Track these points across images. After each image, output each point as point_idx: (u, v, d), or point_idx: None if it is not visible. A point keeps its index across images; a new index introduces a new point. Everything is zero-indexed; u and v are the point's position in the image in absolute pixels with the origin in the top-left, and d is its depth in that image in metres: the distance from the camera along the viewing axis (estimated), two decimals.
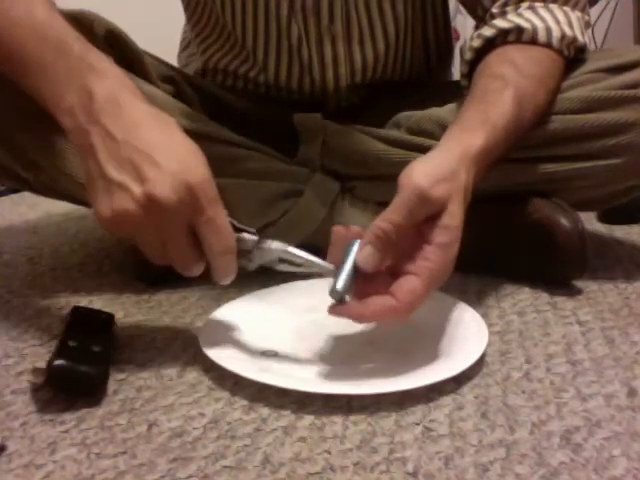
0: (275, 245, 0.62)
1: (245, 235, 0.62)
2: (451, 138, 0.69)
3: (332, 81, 0.95)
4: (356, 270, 0.60)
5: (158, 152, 0.58)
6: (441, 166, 0.63)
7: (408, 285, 0.58)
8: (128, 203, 0.57)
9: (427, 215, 0.61)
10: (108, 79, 0.61)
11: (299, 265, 0.63)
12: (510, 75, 0.76)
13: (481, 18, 0.88)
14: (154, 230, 0.58)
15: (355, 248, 0.60)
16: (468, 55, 0.85)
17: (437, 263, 0.59)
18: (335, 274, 0.60)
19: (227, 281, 0.62)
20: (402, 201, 0.60)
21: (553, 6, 0.83)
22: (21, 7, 0.64)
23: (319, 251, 0.64)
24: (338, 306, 0.60)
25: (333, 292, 0.59)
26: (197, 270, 0.61)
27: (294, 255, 0.62)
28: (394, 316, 0.59)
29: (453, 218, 0.60)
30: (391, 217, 0.60)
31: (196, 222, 0.58)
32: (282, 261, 0.63)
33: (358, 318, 0.60)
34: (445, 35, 1.03)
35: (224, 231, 0.59)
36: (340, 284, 0.59)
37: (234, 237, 0.60)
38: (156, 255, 0.60)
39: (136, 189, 0.57)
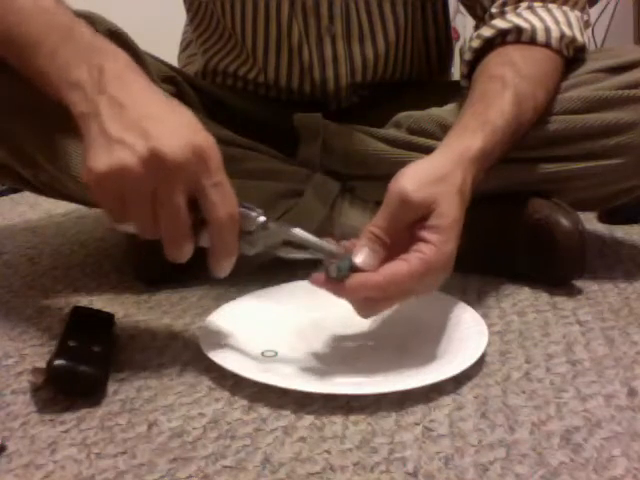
0: (280, 226, 0.61)
1: (251, 213, 0.60)
2: (450, 140, 0.70)
3: (332, 81, 0.95)
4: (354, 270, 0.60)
5: (166, 117, 0.57)
6: (431, 169, 0.64)
7: (394, 266, 0.59)
8: (129, 157, 0.55)
9: (415, 218, 0.61)
10: (118, 61, 0.61)
11: (303, 249, 0.61)
12: (509, 76, 0.76)
13: (480, 18, 0.88)
14: (150, 192, 0.56)
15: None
16: (468, 56, 0.85)
17: (428, 256, 0.59)
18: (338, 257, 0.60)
19: (226, 268, 0.59)
20: (387, 206, 0.62)
21: (552, 6, 0.83)
22: None
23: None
24: (320, 278, 0.60)
25: (330, 269, 0.59)
26: (187, 251, 0.58)
27: (300, 237, 0.61)
28: (372, 293, 0.59)
29: (442, 218, 0.61)
30: (379, 222, 0.61)
31: (202, 185, 0.56)
32: (285, 245, 0.61)
33: (336, 291, 0.60)
34: (445, 35, 1.04)
35: (231, 197, 0.57)
36: (340, 263, 0.59)
37: (239, 210, 0.58)
38: (145, 224, 0.57)
39: (140, 144, 0.55)
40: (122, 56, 0.62)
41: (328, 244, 0.61)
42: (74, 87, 0.60)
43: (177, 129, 0.57)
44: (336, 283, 0.59)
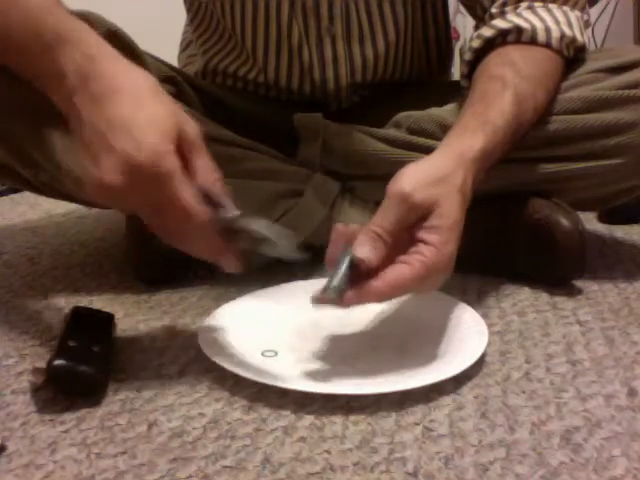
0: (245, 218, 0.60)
1: (224, 211, 0.59)
2: (450, 140, 0.70)
3: (332, 81, 0.95)
4: (352, 268, 0.59)
5: (118, 129, 0.57)
6: (431, 170, 0.64)
7: (396, 271, 0.59)
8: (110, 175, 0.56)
9: (415, 219, 0.61)
10: (80, 48, 0.60)
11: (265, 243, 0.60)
12: (509, 76, 0.76)
13: (481, 18, 0.88)
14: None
15: (350, 253, 0.60)
16: (468, 56, 0.85)
17: (429, 258, 0.59)
18: (328, 273, 0.60)
19: (230, 264, 0.60)
20: (387, 207, 0.61)
21: (552, 6, 0.83)
22: None
23: (319, 251, 0.63)
24: (322, 299, 0.60)
25: (328, 289, 0.58)
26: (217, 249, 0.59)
27: (257, 229, 0.60)
28: (375, 299, 0.59)
29: (442, 219, 0.61)
30: (379, 222, 0.61)
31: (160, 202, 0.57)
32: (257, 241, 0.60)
33: (339, 305, 0.59)
34: (445, 35, 1.04)
35: (190, 212, 0.57)
36: (336, 281, 0.58)
37: (205, 216, 0.57)
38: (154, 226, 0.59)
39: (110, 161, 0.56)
40: (87, 39, 0.62)
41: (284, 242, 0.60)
42: (58, 80, 0.60)
43: (120, 145, 0.57)
44: (338, 300, 0.59)
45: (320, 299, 0.59)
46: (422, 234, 0.60)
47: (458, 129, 0.71)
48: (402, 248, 0.61)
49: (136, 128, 0.57)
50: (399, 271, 0.59)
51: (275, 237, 0.60)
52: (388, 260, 0.60)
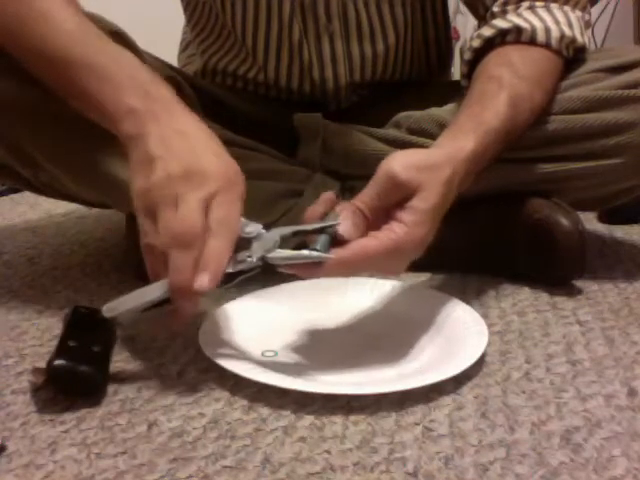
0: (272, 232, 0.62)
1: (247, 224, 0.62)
2: (443, 141, 0.71)
3: (331, 80, 0.95)
4: (334, 240, 0.60)
5: (203, 151, 0.62)
6: (421, 157, 0.65)
7: (362, 242, 0.60)
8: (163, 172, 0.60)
9: (398, 198, 0.62)
10: (166, 92, 0.65)
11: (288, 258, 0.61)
12: (506, 77, 0.76)
13: (482, 17, 0.88)
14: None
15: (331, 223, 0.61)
16: (468, 55, 0.85)
17: (398, 235, 0.60)
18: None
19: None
20: (372, 184, 0.63)
21: (553, 6, 0.83)
22: (62, 14, 0.67)
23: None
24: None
25: (312, 253, 0.59)
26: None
27: (292, 228, 0.62)
28: (338, 267, 0.60)
29: (422, 201, 0.62)
30: (363, 197, 0.63)
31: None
32: (285, 242, 0.62)
33: (314, 274, 0.61)
34: (445, 35, 1.04)
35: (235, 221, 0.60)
36: (319, 246, 0.60)
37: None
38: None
39: (176, 162, 0.61)
40: (167, 88, 0.66)
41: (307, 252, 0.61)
42: (128, 113, 0.62)
43: (211, 157, 0.62)
44: (315, 267, 0.60)
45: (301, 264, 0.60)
46: (398, 213, 0.62)
47: (452, 130, 0.72)
48: (381, 224, 0.62)
49: (208, 154, 0.62)
50: (365, 242, 0.60)
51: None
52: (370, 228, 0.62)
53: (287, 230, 0.62)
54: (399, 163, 0.63)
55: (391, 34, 0.94)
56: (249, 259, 0.61)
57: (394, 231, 0.61)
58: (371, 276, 0.80)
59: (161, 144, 0.61)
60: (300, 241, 0.63)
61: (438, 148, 0.69)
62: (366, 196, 0.63)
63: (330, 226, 0.61)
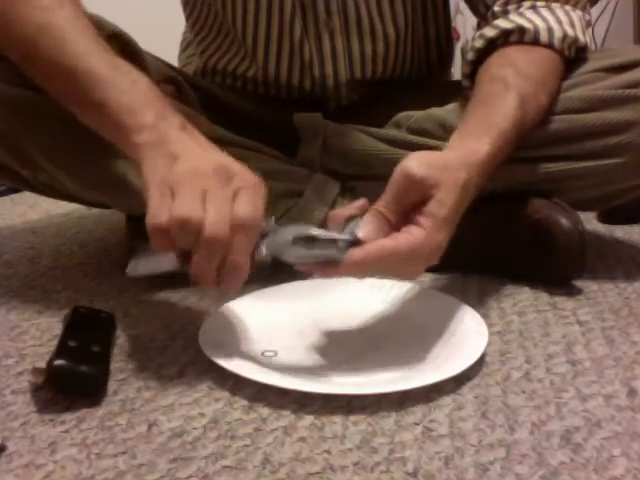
0: (287, 226, 0.62)
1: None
2: (455, 143, 0.71)
3: (332, 77, 0.95)
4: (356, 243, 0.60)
5: (212, 175, 0.60)
6: (438, 157, 0.65)
7: (380, 242, 0.60)
8: (188, 210, 0.57)
9: (417, 198, 0.62)
10: (177, 114, 0.65)
11: (313, 246, 0.61)
12: (512, 77, 0.76)
13: (483, 16, 0.88)
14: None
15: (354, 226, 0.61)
16: (470, 55, 0.85)
17: (416, 239, 0.60)
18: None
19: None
20: (390, 184, 0.63)
21: (555, 5, 0.83)
22: (77, 28, 0.68)
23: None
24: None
25: (335, 247, 0.59)
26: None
27: (308, 232, 0.61)
28: (354, 265, 0.60)
29: (439, 207, 0.61)
30: (383, 201, 0.63)
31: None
32: (295, 243, 0.61)
33: (331, 274, 0.61)
34: (445, 35, 1.04)
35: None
36: (341, 243, 0.60)
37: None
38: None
39: (196, 199, 0.58)
40: (177, 112, 0.66)
41: (335, 234, 0.61)
42: (146, 127, 0.62)
43: (233, 162, 0.61)
44: (332, 269, 0.60)
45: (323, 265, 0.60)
46: (417, 217, 0.61)
47: (462, 132, 0.72)
48: (400, 227, 0.62)
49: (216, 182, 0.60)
50: (382, 242, 0.60)
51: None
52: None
53: (301, 231, 0.61)
54: (414, 162, 0.63)
55: (391, 31, 0.94)
56: (264, 253, 0.60)
57: (412, 234, 0.60)
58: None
59: (184, 148, 0.61)
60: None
61: (451, 150, 0.69)
62: (385, 199, 0.63)
63: (347, 240, 0.60)
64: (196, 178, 0.58)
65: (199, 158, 0.61)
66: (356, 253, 0.59)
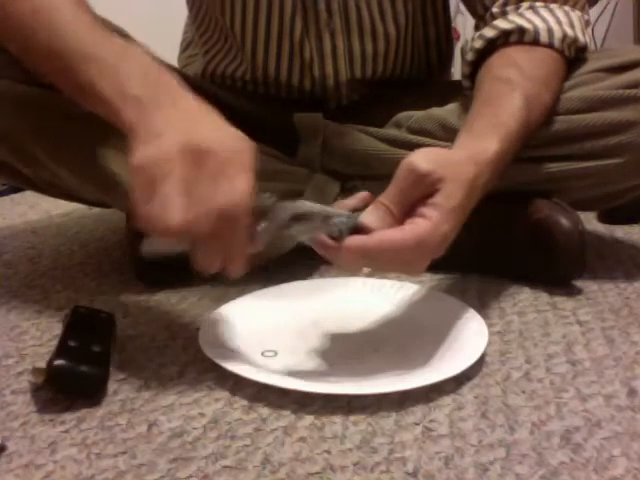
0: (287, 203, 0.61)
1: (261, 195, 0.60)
2: (464, 141, 0.70)
3: (332, 76, 0.95)
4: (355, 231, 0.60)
5: (211, 131, 0.60)
6: (444, 153, 0.65)
7: (387, 233, 0.59)
8: (167, 146, 0.56)
9: (421, 192, 0.61)
10: (172, 80, 0.65)
11: (313, 222, 0.60)
12: (516, 77, 0.76)
13: (481, 17, 0.88)
14: (183, 180, 0.55)
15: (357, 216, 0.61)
16: (470, 56, 0.85)
17: (423, 230, 0.59)
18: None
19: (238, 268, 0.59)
20: (395, 178, 0.62)
21: (554, 6, 0.83)
22: (70, 11, 0.66)
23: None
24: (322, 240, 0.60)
25: (334, 225, 0.59)
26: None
27: (307, 207, 0.60)
28: (359, 252, 0.59)
29: (445, 199, 0.61)
30: (387, 194, 0.62)
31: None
32: (295, 221, 0.60)
33: (332, 253, 0.60)
34: (446, 34, 1.03)
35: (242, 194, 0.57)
36: (341, 224, 0.59)
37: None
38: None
39: (181, 137, 0.58)
40: (169, 73, 0.65)
41: (334, 209, 0.61)
42: (129, 101, 0.61)
43: (220, 137, 0.60)
44: (335, 243, 0.59)
45: (321, 237, 0.59)
46: (423, 209, 0.60)
47: (469, 132, 0.71)
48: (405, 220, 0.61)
49: (217, 133, 0.60)
50: (389, 232, 0.59)
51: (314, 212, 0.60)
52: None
53: (297, 209, 0.60)
54: (420, 157, 0.62)
55: (391, 28, 0.94)
56: (262, 235, 0.59)
57: (418, 225, 0.59)
58: (385, 277, 0.80)
59: (164, 125, 0.59)
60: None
61: (460, 149, 0.68)
62: (389, 192, 0.62)
63: (347, 216, 0.60)
64: (168, 165, 0.56)
65: (178, 136, 0.58)
66: (362, 240, 0.58)
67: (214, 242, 0.56)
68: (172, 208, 0.54)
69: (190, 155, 0.56)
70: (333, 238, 0.59)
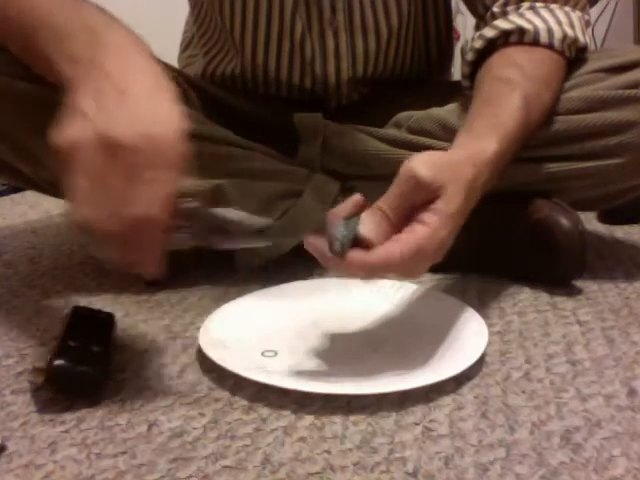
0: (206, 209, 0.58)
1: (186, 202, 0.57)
2: (463, 141, 0.70)
3: (333, 75, 0.95)
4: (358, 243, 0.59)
5: (142, 101, 0.55)
6: (443, 157, 0.64)
7: (386, 247, 0.58)
8: (81, 133, 0.53)
9: (421, 199, 0.61)
10: (122, 37, 0.61)
11: (232, 233, 0.58)
12: (516, 78, 0.76)
13: (482, 16, 0.88)
14: (97, 170, 0.52)
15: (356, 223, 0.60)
16: (470, 56, 0.85)
17: (422, 237, 0.59)
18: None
19: (146, 265, 0.56)
20: (395, 184, 0.61)
21: (554, 6, 0.83)
22: None
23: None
24: (317, 243, 0.59)
25: (336, 241, 0.58)
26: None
27: (229, 217, 0.58)
28: (363, 270, 0.58)
29: (444, 204, 0.60)
30: (385, 199, 0.61)
31: (139, 175, 0.52)
32: (213, 233, 0.58)
33: (333, 265, 0.59)
34: (446, 34, 1.04)
35: (160, 198, 0.53)
36: (342, 237, 0.58)
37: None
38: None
39: (98, 123, 0.53)
40: (126, 32, 0.62)
41: (248, 216, 0.59)
42: (68, 59, 0.58)
43: (144, 115, 0.54)
44: (336, 258, 0.58)
45: (318, 247, 0.59)
46: (422, 214, 0.60)
47: (468, 131, 0.71)
48: (405, 226, 0.60)
49: (145, 107, 0.55)
50: (390, 247, 0.58)
51: (236, 222, 0.58)
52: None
53: (216, 220, 0.58)
54: (421, 163, 0.61)
55: (395, 24, 0.94)
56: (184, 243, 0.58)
57: (416, 232, 0.59)
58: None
59: (92, 100, 0.54)
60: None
61: (459, 149, 0.68)
62: (388, 197, 0.61)
63: (345, 224, 0.59)
64: (85, 153, 0.53)
65: (99, 123, 0.53)
66: (365, 257, 0.58)
67: (123, 243, 0.54)
68: (79, 201, 0.53)
69: (110, 149, 0.52)
70: (332, 246, 0.59)
